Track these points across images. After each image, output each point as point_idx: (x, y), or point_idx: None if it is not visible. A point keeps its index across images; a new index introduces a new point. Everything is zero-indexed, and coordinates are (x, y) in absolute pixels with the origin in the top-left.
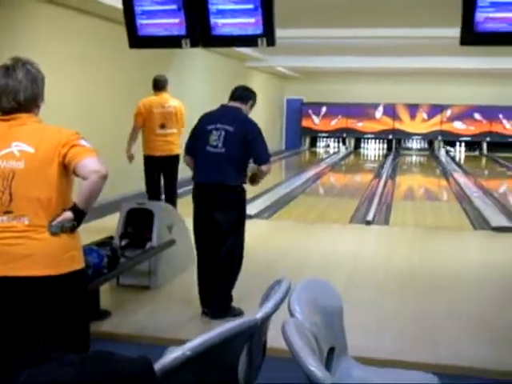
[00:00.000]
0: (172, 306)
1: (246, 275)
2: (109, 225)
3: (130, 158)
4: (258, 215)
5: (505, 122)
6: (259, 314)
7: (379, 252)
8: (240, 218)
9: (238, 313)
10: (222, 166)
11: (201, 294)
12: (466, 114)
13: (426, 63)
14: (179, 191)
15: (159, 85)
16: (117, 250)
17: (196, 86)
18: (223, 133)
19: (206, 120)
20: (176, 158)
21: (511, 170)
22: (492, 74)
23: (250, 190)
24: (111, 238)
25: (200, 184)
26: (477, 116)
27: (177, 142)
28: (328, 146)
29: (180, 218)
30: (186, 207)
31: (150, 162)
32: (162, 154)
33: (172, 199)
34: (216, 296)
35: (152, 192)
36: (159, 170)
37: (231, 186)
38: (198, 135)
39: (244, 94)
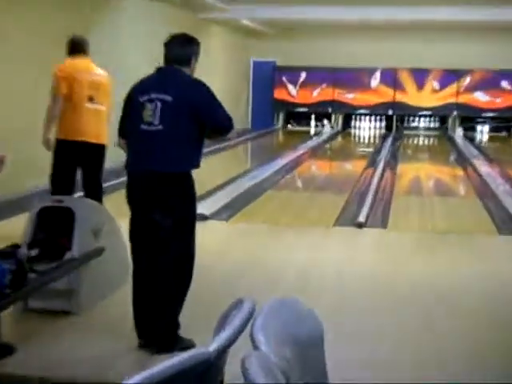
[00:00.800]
0: (99, 337)
1: (196, 295)
2: (12, 229)
3: (48, 143)
4: (214, 215)
5: None
6: (213, 346)
7: (373, 264)
8: (187, 218)
9: (188, 345)
10: (160, 148)
11: (137, 319)
12: (490, 82)
13: (437, 14)
14: (107, 185)
15: (78, 47)
16: (23, 262)
17: (129, 49)
18: (159, 104)
19: (138, 90)
20: (103, 148)
21: None
22: None
23: (204, 182)
24: (16, 246)
25: (133, 174)
26: (505, 84)
27: (105, 126)
28: (319, 125)
29: (110, 218)
30: (116, 207)
31: (65, 150)
32: (87, 140)
33: (97, 197)
34: (158, 322)
35: (60, 190)
36: (78, 161)
37: (173, 174)
38: (130, 110)
39: (181, 55)
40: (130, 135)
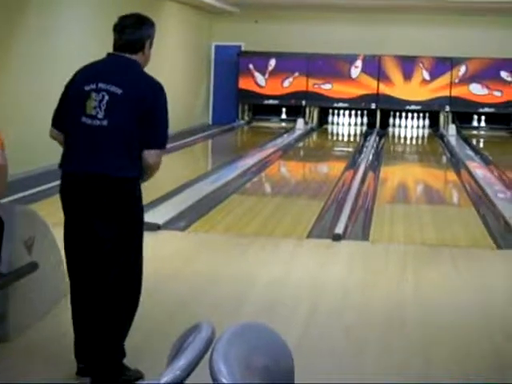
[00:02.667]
0: (33, 366)
1: (148, 317)
2: None
3: None
4: (168, 224)
5: None
6: (165, 379)
7: (352, 282)
8: (133, 228)
9: (134, 376)
10: (104, 146)
11: (76, 342)
12: (488, 73)
13: None
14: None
15: None
16: None
17: (73, 29)
18: (107, 97)
19: (84, 76)
20: None
21: None
22: None
23: (157, 186)
24: None
25: (70, 175)
26: (505, 75)
27: None
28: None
29: (46, 227)
30: (49, 214)
31: None
32: None
33: None
34: (99, 349)
35: None
36: None
37: (118, 178)
38: (71, 99)
39: (133, 40)
40: (68, 128)
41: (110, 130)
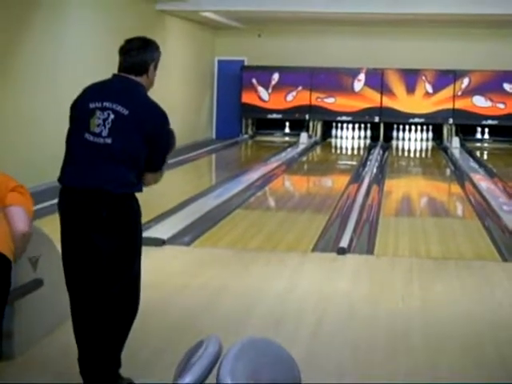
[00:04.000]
0: (39, 381)
1: (153, 333)
2: None
3: None
4: (173, 240)
5: None
6: None
7: (358, 295)
8: (133, 242)
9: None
10: (107, 164)
11: (80, 358)
12: (491, 85)
13: (431, 8)
14: (44, 205)
15: None
16: None
17: (78, 45)
18: (112, 115)
19: (89, 94)
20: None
21: None
22: None
23: (161, 201)
24: None
25: (70, 190)
26: (508, 87)
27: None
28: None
29: (51, 244)
30: (54, 231)
31: None
32: None
33: None
34: (96, 359)
35: None
36: None
37: (120, 194)
38: (75, 115)
39: (138, 63)
40: (71, 143)
41: (114, 148)
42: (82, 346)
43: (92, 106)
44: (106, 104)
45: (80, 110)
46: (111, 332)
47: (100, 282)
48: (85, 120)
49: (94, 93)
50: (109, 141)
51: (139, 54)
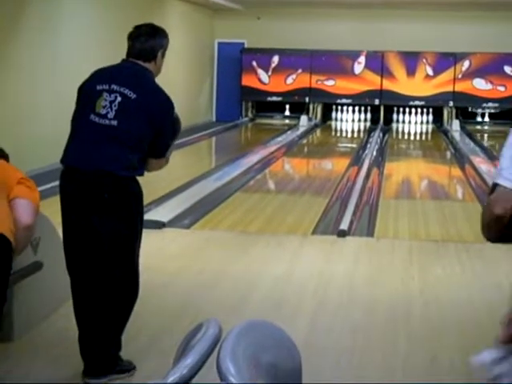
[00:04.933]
0: (36, 366)
1: (152, 316)
2: None
3: None
4: (173, 223)
5: None
6: (171, 378)
7: (358, 278)
8: (133, 226)
9: (127, 367)
10: (111, 145)
11: (80, 340)
12: (492, 67)
13: None
14: (44, 187)
15: None
16: None
17: (76, 27)
18: (119, 98)
19: (97, 77)
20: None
21: None
22: None
23: (161, 183)
24: None
25: (73, 170)
26: (508, 70)
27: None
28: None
29: (51, 227)
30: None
31: None
32: None
33: None
34: (97, 342)
35: None
36: None
37: (123, 177)
38: (82, 97)
39: (146, 49)
40: (76, 124)
41: (120, 130)
42: (82, 327)
43: (99, 87)
44: (114, 87)
45: (87, 92)
46: (111, 314)
47: (100, 265)
48: (91, 102)
49: (102, 76)
50: (114, 123)
51: (148, 41)
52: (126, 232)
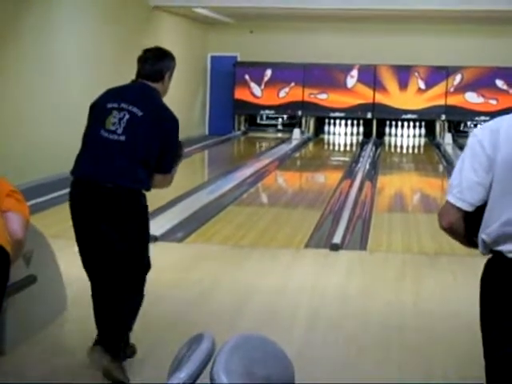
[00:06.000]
0: (29, 380)
1: (147, 329)
2: None
3: None
4: (166, 236)
5: None
6: None
7: (351, 291)
8: (140, 236)
9: (132, 352)
10: (120, 159)
11: (97, 319)
12: (484, 81)
13: (423, 4)
14: (36, 201)
15: None
16: None
17: (71, 40)
18: (127, 116)
19: (108, 96)
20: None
21: None
22: None
23: (154, 197)
24: None
25: (82, 182)
26: (500, 84)
27: None
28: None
29: (44, 240)
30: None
31: None
32: None
33: None
34: (112, 326)
35: None
36: None
37: (131, 189)
38: (93, 114)
39: (155, 71)
40: (87, 139)
41: (127, 144)
42: (99, 310)
43: (109, 106)
44: (123, 105)
45: (98, 110)
46: (122, 308)
47: (110, 266)
48: (101, 118)
49: (112, 95)
50: (122, 138)
51: (156, 63)
52: (132, 242)
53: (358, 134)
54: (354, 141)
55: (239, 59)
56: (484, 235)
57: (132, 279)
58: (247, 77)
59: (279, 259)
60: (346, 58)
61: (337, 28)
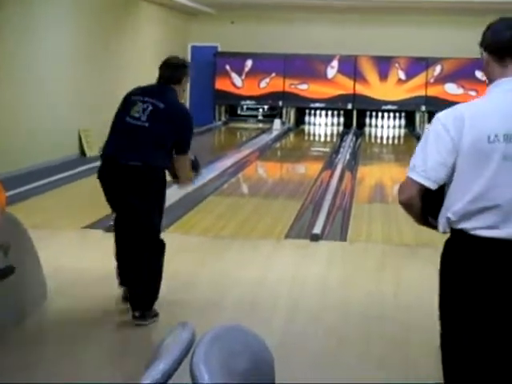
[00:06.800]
0: (9, 369)
1: (125, 319)
2: None
3: None
4: None
5: None
6: (145, 382)
7: (331, 282)
8: (158, 203)
9: (154, 312)
10: (143, 141)
11: (120, 269)
12: (463, 72)
13: None
14: (16, 191)
15: None
16: None
17: (51, 31)
18: (150, 107)
19: (134, 91)
20: None
21: None
22: (502, 10)
23: None
24: None
25: (110, 161)
26: (480, 75)
27: None
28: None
29: (23, 231)
30: (26, 217)
31: None
32: None
33: None
34: (140, 290)
35: None
36: None
37: (153, 166)
38: (122, 105)
39: (174, 76)
40: (114, 125)
41: (150, 130)
42: (122, 272)
43: (135, 98)
44: (147, 99)
45: (126, 101)
46: (143, 262)
47: (135, 228)
48: (127, 108)
49: (139, 91)
50: (146, 124)
51: (175, 70)
52: (153, 207)
53: (338, 124)
54: (335, 131)
55: (220, 49)
56: (450, 213)
57: (150, 240)
58: (228, 67)
59: (259, 250)
60: (327, 48)
61: (317, 19)
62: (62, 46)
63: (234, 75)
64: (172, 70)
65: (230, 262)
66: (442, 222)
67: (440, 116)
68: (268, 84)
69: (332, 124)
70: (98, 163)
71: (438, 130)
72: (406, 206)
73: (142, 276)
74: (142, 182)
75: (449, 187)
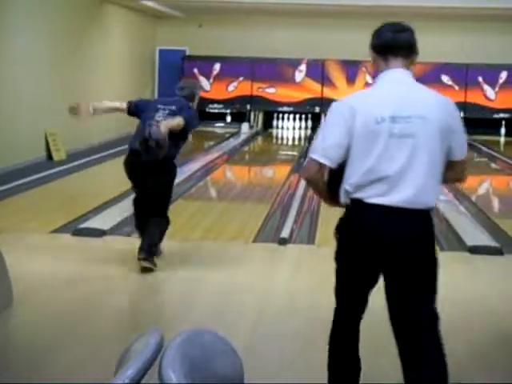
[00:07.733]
0: None
1: (93, 324)
2: None
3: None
4: (113, 230)
5: (486, 88)
6: None
7: (299, 285)
8: (170, 186)
9: (159, 252)
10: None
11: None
12: (429, 77)
13: (367, 0)
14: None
15: None
16: None
17: (18, 32)
18: (167, 111)
19: (159, 101)
20: None
21: (495, 161)
22: (473, 17)
23: (99, 192)
24: None
25: (135, 152)
26: (445, 79)
27: None
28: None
29: None
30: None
31: None
32: None
33: None
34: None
35: None
36: None
37: (167, 156)
38: (148, 108)
39: (189, 94)
40: (139, 126)
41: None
42: (143, 231)
43: (158, 106)
44: (167, 107)
45: (150, 108)
46: (156, 226)
47: (150, 201)
48: (152, 113)
49: (160, 100)
50: None
51: (188, 90)
52: (167, 189)
53: (306, 128)
54: (303, 135)
55: (188, 53)
56: (347, 186)
57: (161, 209)
58: (196, 71)
59: (228, 253)
60: (295, 52)
61: (285, 22)
62: (29, 49)
63: (201, 79)
64: (185, 90)
65: (197, 265)
66: (342, 194)
67: (337, 104)
68: (236, 88)
69: (300, 128)
70: (65, 167)
71: (334, 116)
72: (310, 182)
73: (155, 231)
74: (160, 168)
75: (347, 165)
